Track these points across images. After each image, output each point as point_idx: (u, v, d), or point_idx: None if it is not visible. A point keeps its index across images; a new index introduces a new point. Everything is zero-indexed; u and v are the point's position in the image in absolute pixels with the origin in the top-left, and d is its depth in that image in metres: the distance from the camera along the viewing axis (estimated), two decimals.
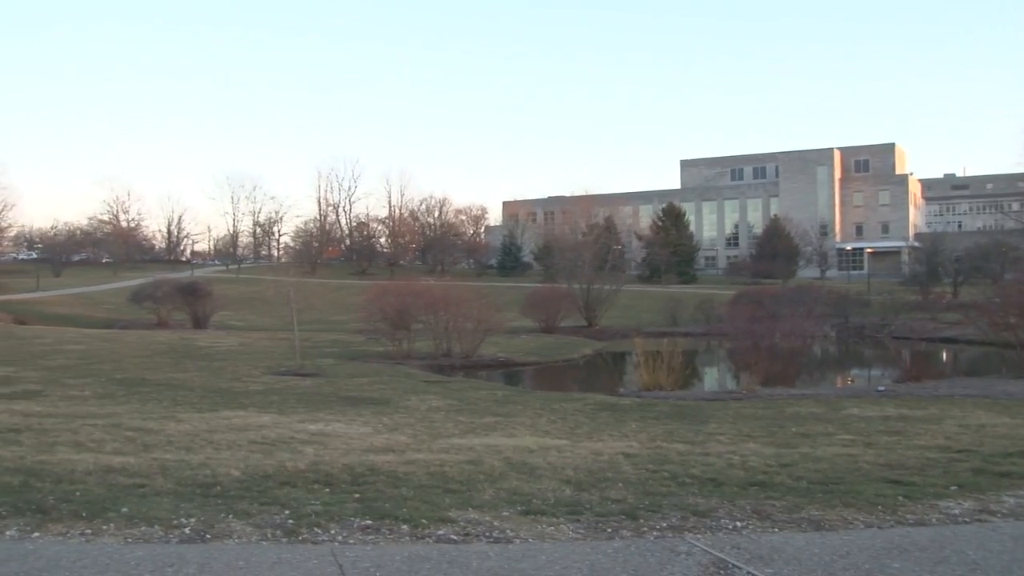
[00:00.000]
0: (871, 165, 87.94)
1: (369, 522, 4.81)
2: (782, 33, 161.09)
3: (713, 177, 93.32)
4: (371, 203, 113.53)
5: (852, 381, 23.94)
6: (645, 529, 4.80)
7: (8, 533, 4.48)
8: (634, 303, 46.27)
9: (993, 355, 23.00)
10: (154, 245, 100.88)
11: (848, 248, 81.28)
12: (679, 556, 4.17)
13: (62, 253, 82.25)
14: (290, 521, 4.80)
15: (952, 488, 5.91)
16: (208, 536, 4.52)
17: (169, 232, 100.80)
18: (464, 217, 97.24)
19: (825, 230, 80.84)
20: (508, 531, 4.71)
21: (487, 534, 4.64)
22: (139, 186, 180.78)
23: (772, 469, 6.77)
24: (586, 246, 47.34)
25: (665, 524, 4.89)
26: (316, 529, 4.66)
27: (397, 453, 7.74)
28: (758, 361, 18.64)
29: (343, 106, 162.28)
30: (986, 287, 32.82)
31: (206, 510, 5.03)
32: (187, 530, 4.60)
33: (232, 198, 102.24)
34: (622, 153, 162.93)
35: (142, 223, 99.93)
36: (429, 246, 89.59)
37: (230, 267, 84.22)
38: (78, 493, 5.44)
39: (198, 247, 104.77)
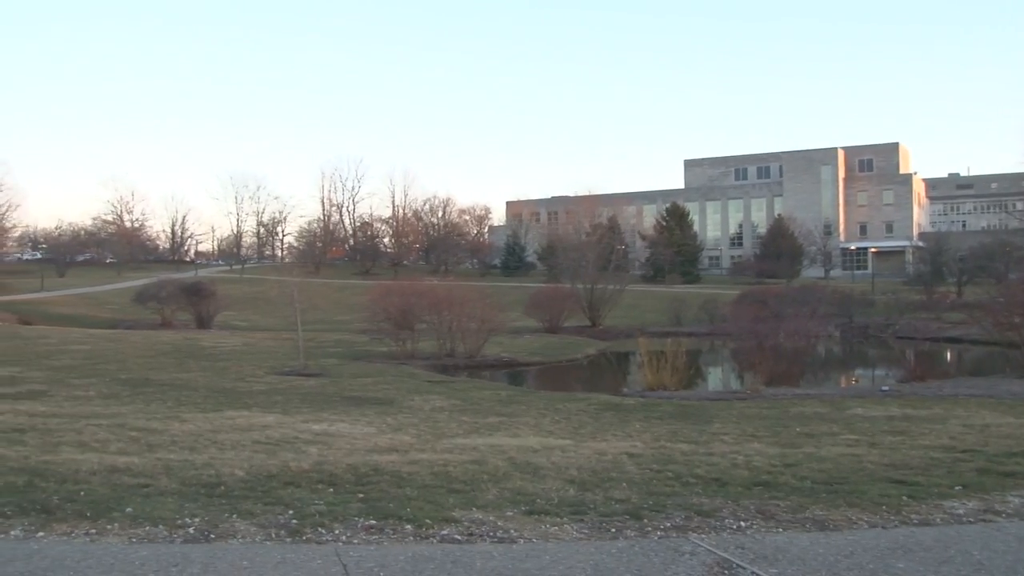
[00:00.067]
0: (875, 164, 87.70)
1: (373, 522, 4.81)
2: (783, 33, 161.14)
3: (717, 177, 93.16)
4: (375, 203, 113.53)
5: (856, 381, 23.90)
6: (649, 529, 4.79)
7: (13, 533, 4.50)
8: (638, 303, 46.25)
9: (997, 355, 22.93)
10: (158, 245, 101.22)
11: (852, 248, 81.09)
12: (683, 556, 4.16)
13: (66, 253, 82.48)
14: (294, 521, 4.81)
15: (956, 488, 5.89)
16: (212, 536, 4.52)
17: (173, 232, 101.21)
18: (468, 217, 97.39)
19: (829, 230, 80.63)
20: (512, 531, 4.71)
21: (491, 534, 4.64)
22: (143, 186, 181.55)
23: (776, 469, 6.76)
24: (590, 246, 47.29)
25: (669, 524, 4.88)
26: (320, 529, 4.67)
27: (401, 453, 7.75)
28: (762, 361, 18.61)
29: (345, 106, 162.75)
30: (990, 287, 32.67)
31: (210, 510, 5.04)
32: (191, 530, 4.60)
33: (236, 198, 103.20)
34: (625, 153, 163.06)
35: (146, 223, 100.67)
36: (433, 246, 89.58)
37: (234, 267, 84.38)
38: (82, 493, 5.45)
39: (202, 247, 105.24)
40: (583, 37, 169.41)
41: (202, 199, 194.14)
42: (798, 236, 72.65)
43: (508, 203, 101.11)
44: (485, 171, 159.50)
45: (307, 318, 28.64)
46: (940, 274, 52.34)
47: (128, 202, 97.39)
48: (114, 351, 23.39)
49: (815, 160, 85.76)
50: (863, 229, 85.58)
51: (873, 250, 79.62)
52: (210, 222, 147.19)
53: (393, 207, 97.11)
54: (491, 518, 4.97)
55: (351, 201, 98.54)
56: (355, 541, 4.46)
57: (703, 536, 4.59)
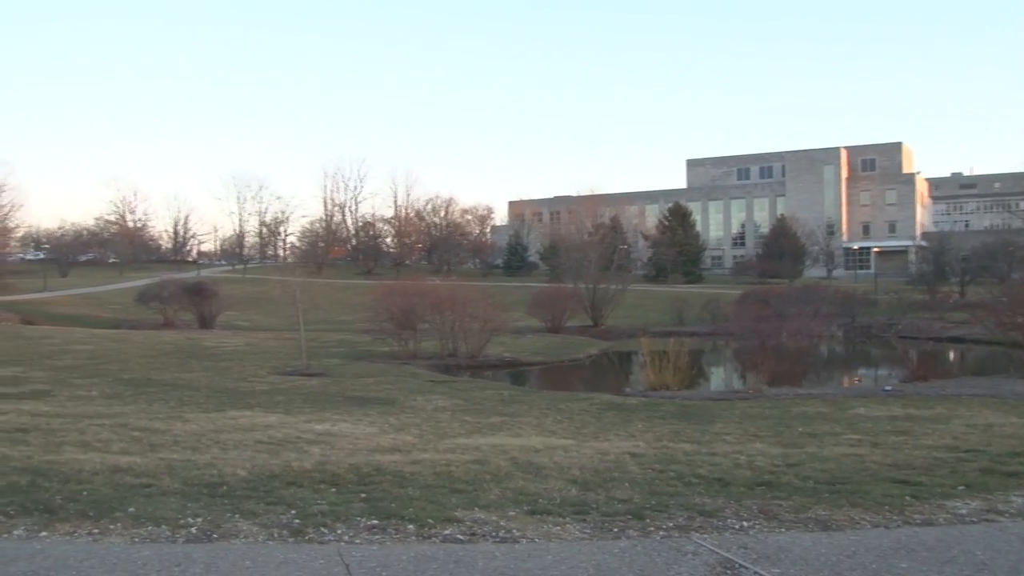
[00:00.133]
0: (878, 164, 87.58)
1: (375, 522, 4.81)
2: (784, 33, 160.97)
3: (719, 177, 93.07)
4: (377, 203, 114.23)
5: (859, 381, 23.87)
6: (651, 529, 4.79)
7: (16, 532, 4.50)
8: (640, 303, 46.24)
9: (1000, 354, 22.93)
10: (160, 245, 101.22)
11: (855, 247, 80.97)
12: (686, 556, 4.16)
13: (69, 253, 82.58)
14: (296, 521, 4.81)
15: (959, 488, 5.88)
16: (215, 536, 4.53)
17: (175, 232, 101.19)
18: (470, 217, 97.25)
19: (832, 229, 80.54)
20: (514, 531, 4.71)
21: (493, 534, 4.64)
22: (145, 186, 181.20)
23: (779, 469, 6.75)
24: (592, 246, 47.29)
25: (671, 524, 4.88)
26: (322, 529, 4.67)
27: (403, 453, 7.75)
28: (764, 361, 18.60)
29: (346, 106, 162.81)
30: (993, 286, 32.72)
31: (212, 510, 5.04)
32: (194, 530, 4.61)
33: (238, 198, 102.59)
34: (627, 153, 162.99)
35: (148, 223, 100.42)
36: (435, 246, 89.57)
37: (236, 267, 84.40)
38: (85, 493, 5.46)
39: (204, 247, 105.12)
40: (583, 37, 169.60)
41: (204, 199, 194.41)
42: (801, 236, 72.58)
43: (510, 203, 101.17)
44: (487, 171, 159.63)
45: (309, 318, 28.62)
46: (943, 274, 52.26)
47: (130, 202, 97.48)
48: (117, 351, 23.43)
49: (818, 160, 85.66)
50: (866, 229, 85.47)
51: (876, 250, 79.47)
52: (212, 222, 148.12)
53: (395, 207, 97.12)
54: (493, 518, 4.97)
55: (353, 201, 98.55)
56: (357, 541, 4.46)
57: (706, 536, 4.59)
